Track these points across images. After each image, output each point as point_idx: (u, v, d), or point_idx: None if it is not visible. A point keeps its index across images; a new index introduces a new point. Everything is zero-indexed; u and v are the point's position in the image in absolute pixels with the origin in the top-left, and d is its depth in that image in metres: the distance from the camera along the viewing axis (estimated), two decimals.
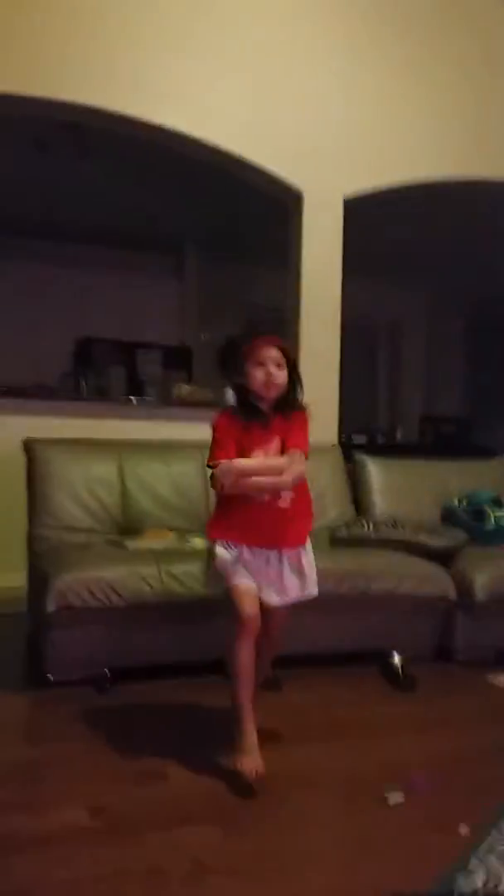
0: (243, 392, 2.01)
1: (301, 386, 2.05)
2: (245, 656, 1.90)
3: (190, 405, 4.44)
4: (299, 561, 2.03)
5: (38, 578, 2.68)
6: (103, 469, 3.20)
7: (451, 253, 6.65)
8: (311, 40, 4.09)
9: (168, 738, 2.15)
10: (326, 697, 2.45)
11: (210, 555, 2.01)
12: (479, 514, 3.32)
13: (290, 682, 2.50)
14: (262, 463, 1.97)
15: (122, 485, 3.20)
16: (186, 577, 2.59)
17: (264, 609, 1.97)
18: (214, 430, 2.02)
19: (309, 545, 2.07)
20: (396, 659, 2.67)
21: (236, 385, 2.02)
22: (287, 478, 1.96)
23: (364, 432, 5.58)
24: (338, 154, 4.15)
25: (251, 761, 1.86)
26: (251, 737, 1.90)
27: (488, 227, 5.88)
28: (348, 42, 4.16)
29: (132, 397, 5.26)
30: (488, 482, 3.63)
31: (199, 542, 2.95)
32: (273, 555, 2.00)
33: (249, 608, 1.91)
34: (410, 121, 4.28)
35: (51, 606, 2.47)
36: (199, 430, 3.92)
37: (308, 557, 2.05)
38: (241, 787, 1.82)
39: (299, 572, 2.03)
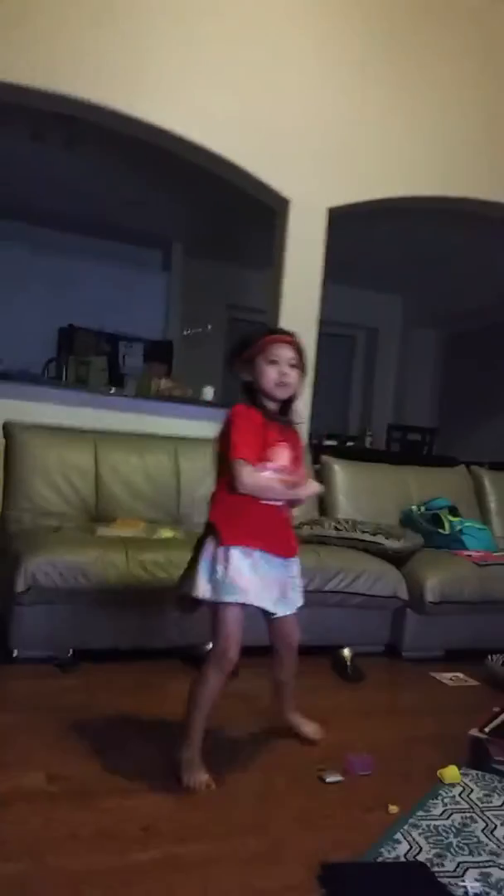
0: (251, 391, 1.93)
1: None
2: (217, 688, 1.89)
3: (168, 400, 4.55)
4: (297, 570, 2.04)
5: (10, 558, 2.78)
6: (79, 457, 3.30)
7: (428, 265, 6.82)
8: (305, 52, 4.21)
9: (127, 715, 2.27)
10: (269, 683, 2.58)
11: (215, 559, 1.86)
12: (436, 520, 3.47)
13: (245, 670, 2.62)
14: (292, 479, 1.90)
15: (97, 473, 3.31)
16: (153, 564, 2.71)
17: (277, 620, 1.99)
18: (235, 418, 1.87)
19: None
20: (346, 652, 2.81)
21: (245, 383, 1.94)
22: (303, 493, 1.94)
23: (335, 437, 5.73)
24: (325, 166, 4.28)
25: (199, 776, 1.85)
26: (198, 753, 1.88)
27: (467, 243, 6.06)
28: (342, 57, 4.29)
29: (112, 388, 5.34)
30: (447, 490, 3.79)
31: (166, 533, 3.08)
32: (284, 562, 1.97)
33: (236, 648, 1.87)
34: (398, 138, 4.42)
35: (20, 586, 2.57)
36: (175, 425, 4.07)
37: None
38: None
39: (297, 582, 2.04)
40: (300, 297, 4.29)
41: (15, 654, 2.62)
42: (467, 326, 7.46)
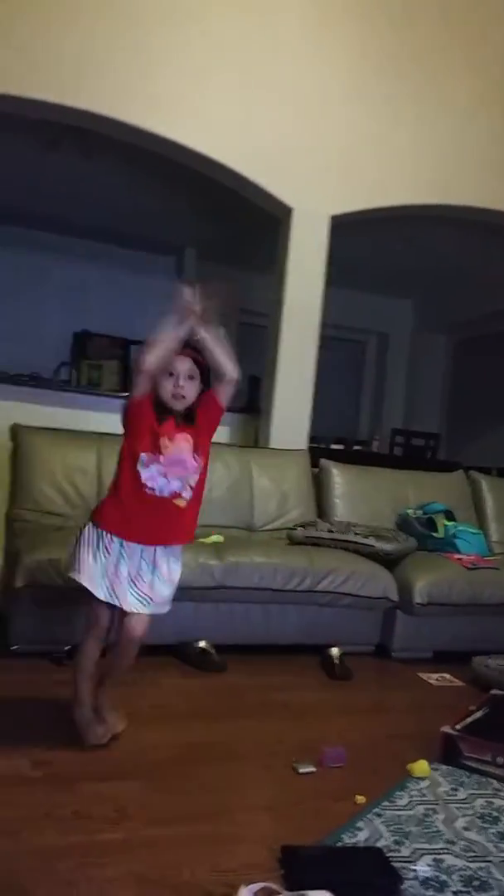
0: (154, 400, 1.99)
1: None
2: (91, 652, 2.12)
3: None
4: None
5: (12, 556, 2.89)
6: (82, 459, 3.40)
7: (440, 270, 6.85)
8: (308, 62, 4.28)
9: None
10: (265, 681, 2.67)
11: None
12: (430, 524, 3.53)
13: (234, 665, 2.72)
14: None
15: (99, 475, 3.41)
16: None
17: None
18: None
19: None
20: (335, 651, 2.88)
21: (148, 395, 1.98)
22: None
23: (342, 441, 5.79)
24: (328, 174, 4.35)
25: (96, 729, 2.05)
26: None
27: (478, 249, 6.09)
28: (345, 68, 4.36)
29: (120, 391, 5.46)
30: (445, 494, 3.84)
31: None
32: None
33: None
34: (401, 146, 4.47)
35: (19, 582, 2.68)
36: None
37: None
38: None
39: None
40: (303, 304, 4.36)
41: (13, 648, 2.72)
42: (478, 332, 7.48)
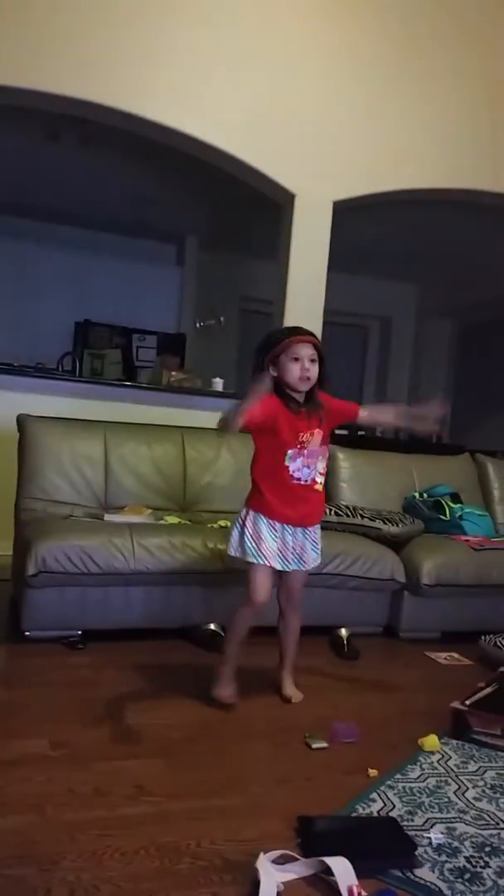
0: (277, 384, 2.20)
1: (327, 380, 2.26)
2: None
3: (180, 391, 4.68)
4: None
5: (22, 544, 2.93)
6: (90, 447, 3.43)
7: (444, 255, 6.85)
8: (311, 49, 4.29)
9: (128, 689, 2.41)
10: (275, 662, 2.70)
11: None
12: (437, 506, 3.56)
13: (246, 648, 2.75)
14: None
15: (106, 463, 3.44)
16: (157, 548, 2.84)
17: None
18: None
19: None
20: (343, 632, 2.93)
21: (272, 378, 2.20)
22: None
23: (346, 427, 5.79)
24: (330, 160, 4.36)
25: (223, 690, 2.29)
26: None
27: (482, 233, 6.09)
28: (347, 53, 4.36)
29: (125, 381, 5.49)
30: (450, 477, 3.87)
31: (172, 519, 3.21)
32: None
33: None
34: (403, 131, 4.49)
35: (31, 569, 2.72)
36: (187, 416, 4.19)
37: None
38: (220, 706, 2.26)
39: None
40: (306, 290, 4.39)
41: (26, 633, 2.77)
42: (482, 316, 7.48)
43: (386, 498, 3.73)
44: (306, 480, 2.23)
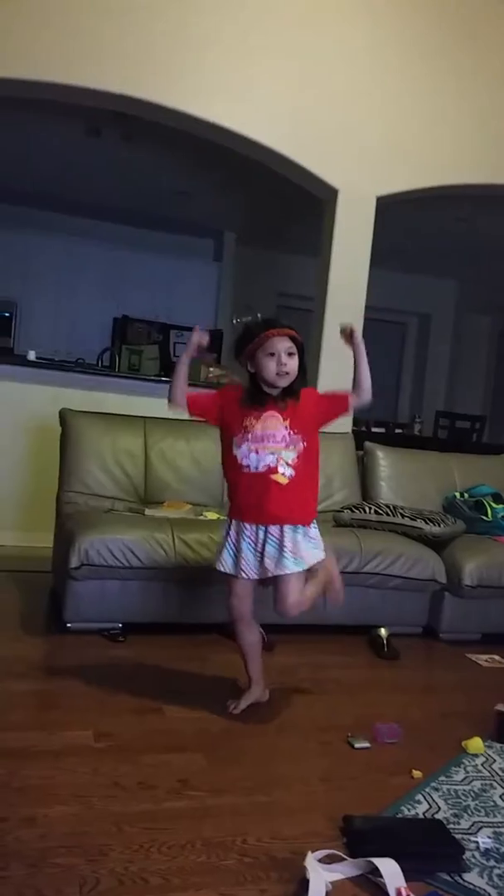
0: (254, 379, 2.10)
1: (306, 372, 2.15)
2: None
3: (217, 387, 4.68)
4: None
5: (64, 537, 2.96)
6: (130, 442, 3.46)
7: (486, 251, 6.76)
8: (356, 42, 4.24)
9: (168, 682, 2.43)
10: (315, 661, 2.71)
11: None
12: (479, 507, 3.52)
13: (283, 646, 2.76)
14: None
15: (146, 458, 3.46)
16: (197, 544, 2.85)
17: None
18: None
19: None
20: (383, 631, 2.90)
21: (249, 373, 2.11)
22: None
23: (383, 424, 5.78)
24: (374, 155, 4.31)
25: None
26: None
27: None
28: (393, 47, 4.30)
29: (162, 376, 5.51)
30: (491, 477, 3.82)
31: (211, 515, 3.22)
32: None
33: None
34: (447, 126, 4.41)
35: (74, 562, 2.74)
36: None
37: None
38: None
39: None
40: (347, 286, 4.35)
41: (68, 626, 2.80)
42: None
43: (425, 497, 3.70)
44: (256, 468, 2.08)
